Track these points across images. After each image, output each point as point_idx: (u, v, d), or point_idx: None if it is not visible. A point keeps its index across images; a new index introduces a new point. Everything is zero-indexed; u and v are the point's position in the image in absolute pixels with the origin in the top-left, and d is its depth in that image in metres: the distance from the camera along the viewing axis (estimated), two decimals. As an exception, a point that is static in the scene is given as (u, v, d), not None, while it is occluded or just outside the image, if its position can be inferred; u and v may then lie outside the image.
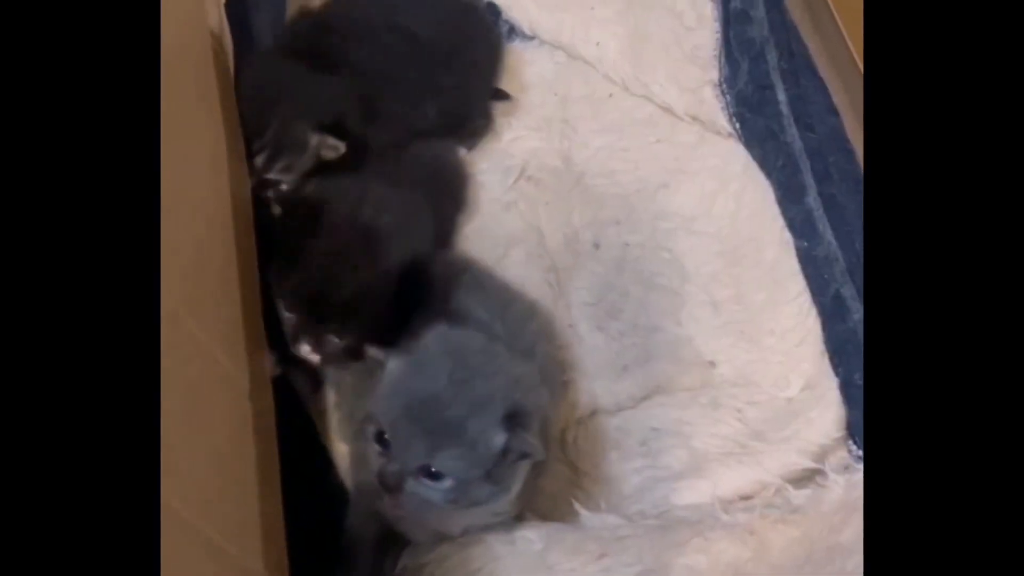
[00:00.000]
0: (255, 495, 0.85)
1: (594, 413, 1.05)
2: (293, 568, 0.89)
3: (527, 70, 1.33)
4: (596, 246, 1.18)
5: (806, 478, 0.98)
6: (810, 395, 1.04)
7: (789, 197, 1.18)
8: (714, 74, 1.28)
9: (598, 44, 1.31)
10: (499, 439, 0.77)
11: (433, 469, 0.76)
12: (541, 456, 0.80)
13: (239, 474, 0.83)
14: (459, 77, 1.15)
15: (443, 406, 0.76)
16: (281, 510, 0.90)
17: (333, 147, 1.02)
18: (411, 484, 0.77)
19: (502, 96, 1.27)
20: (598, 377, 1.07)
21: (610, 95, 1.30)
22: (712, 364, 1.09)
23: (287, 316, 0.92)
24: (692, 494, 0.97)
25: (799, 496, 0.94)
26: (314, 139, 1.02)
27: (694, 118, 1.26)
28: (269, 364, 1.00)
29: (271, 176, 1.01)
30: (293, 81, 1.05)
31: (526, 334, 0.93)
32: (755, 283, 1.14)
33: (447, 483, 0.77)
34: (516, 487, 0.81)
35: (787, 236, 1.16)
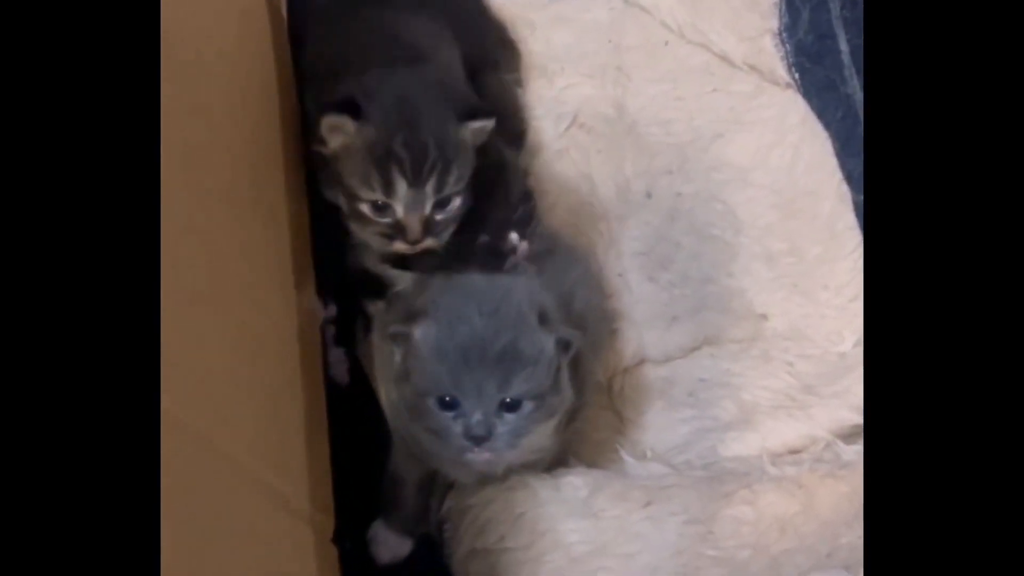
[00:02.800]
0: (302, 435, 0.85)
1: (642, 362, 1.04)
2: (339, 508, 0.90)
3: (582, 16, 1.30)
4: (648, 195, 1.16)
5: (856, 434, 0.96)
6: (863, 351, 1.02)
7: (848, 150, 1.15)
8: (774, 22, 1.24)
9: (655, -10, 1.28)
10: (548, 342, 0.78)
11: (509, 400, 0.77)
12: (578, 340, 0.81)
13: (286, 414, 0.84)
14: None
15: (490, 340, 0.76)
16: (328, 451, 0.91)
17: (481, 129, 0.90)
18: (499, 426, 0.77)
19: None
20: (647, 327, 1.06)
21: (666, 43, 1.27)
22: (764, 317, 1.07)
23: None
24: (740, 446, 0.96)
25: (849, 451, 0.93)
26: (466, 132, 0.89)
27: (752, 67, 1.23)
28: (317, 308, 1.00)
29: (446, 192, 0.88)
30: (413, 72, 0.91)
31: (564, 282, 0.92)
32: (810, 236, 1.11)
33: (528, 407, 0.78)
34: (569, 392, 0.82)
35: (845, 189, 1.13)
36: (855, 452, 0.93)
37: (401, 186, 0.86)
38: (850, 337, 1.04)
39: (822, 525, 0.86)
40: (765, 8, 1.24)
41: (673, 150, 1.19)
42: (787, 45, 1.22)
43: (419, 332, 0.79)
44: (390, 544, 0.91)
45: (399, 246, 0.90)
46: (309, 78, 1.01)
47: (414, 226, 0.88)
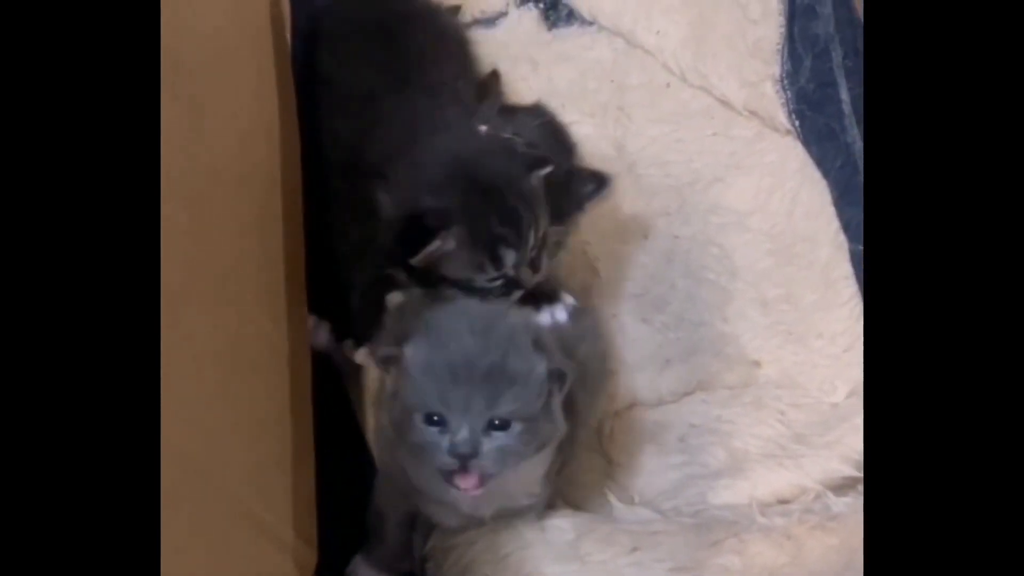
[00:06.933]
0: (288, 465, 0.85)
1: (632, 405, 1.04)
2: (322, 540, 0.89)
3: (585, 55, 1.31)
4: (645, 237, 1.16)
5: (847, 486, 0.95)
6: (856, 401, 1.01)
7: (846, 199, 1.15)
8: (776, 69, 1.24)
9: (659, 32, 1.28)
10: (540, 365, 0.77)
11: (497, 421, 0.75)
12: (573, 374, 0.79)
13: (274, 443, 0.83)
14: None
15: (479, 358, 0.75)
16: (313, 482, 0.90)
17: (544, 176, 0.92)
18: (486, 444, 0.75)
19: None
20: (639, 369, 1.06)
21: (667, 85, 1.28)
22: (757, 363, 1.07)
23: None
24: (729, 494, 0.95)
25: (839, 503, 0.92)
26: (537, 181, 0.91)
27: (752, 113, 1.24)
28: (321, 336, 0.99)
29: (541, 234, 0.91)
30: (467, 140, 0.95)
31: (569, 330, 0.92)
32: (806, 284, 1.11)
33: (516, 428, 0.76)
34: (561, 423, 0.80)
35: (842, 238, 1.13)
36: (845, 504, 0.91)
37: (509, 256, 0.89)
38: (843, 387, 1.03)
39: (810, 577, 0.85)
40: (767, 54, 1.24)
41: (671, 192, 1.20)
42: (788, 92, 1.23)
43: (409, 350, 0.78)
44: (370, 582, 0.90)
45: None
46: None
47: (527, 275, 0.90)
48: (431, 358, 0.77)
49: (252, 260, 0.83)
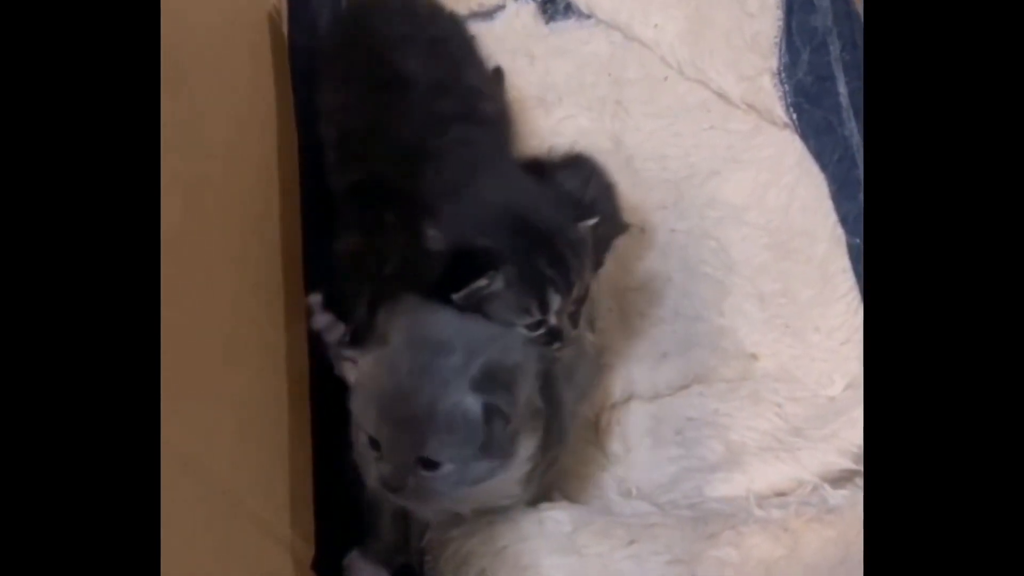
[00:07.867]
0: (285, 461, 0.85)
1: (629, 399, 1.04)
2: (319, 535, 0.89)
3: (582, 49, 1.31)
4: (642, 230, 1.16)
5: (844, 479, 0.95)
6: (853, 395, 1.02)
7: (844, 192, 1.15)
8: (773, 62, 1.24)
9: (656, 26, 1.28)
10: (474, 408, 0.75)
11: (427, 459, 0.75)
12: (509, 409, 0.77)
13: (271, 440, 0.84)
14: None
15: (408, 397, 0.75)
16: (311, 479, 0.91)
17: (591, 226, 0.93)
18: (412, 480, 0.75)
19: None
20: (636, 363, 1.06)
21: (665, 78, 1.28)
22: (754, 357, 1.07)
23: None
24: (726, 487, 0.95)
25: (836, 496, 0.92)
26: (584, 231, 0.91)
27: (750, 106, 1.24)
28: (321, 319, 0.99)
29: (586, 283, 0.92)
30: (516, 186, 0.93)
31: None
32: (803, 278, 1.11)
33: (446, 468, 0.75)
34: (519, 458, 0.79)
35: (839, 232, 1.13)
36: (842, 497, 0.92)
37: (556, 300, 0.87)
38: (840, 381, 1.04)
39: (807, 569, 0.86)
40: (765, 48, 1.25)
41: (668, 186, 1.20)
42: (786, 85, 1.23)
43: (363, 363, 0.78)
44: (366, 575, 0.90)
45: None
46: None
47: (567, 326, 0.89)
48: (372, 383, 0.77)
49: (250, 260, 0.83)
